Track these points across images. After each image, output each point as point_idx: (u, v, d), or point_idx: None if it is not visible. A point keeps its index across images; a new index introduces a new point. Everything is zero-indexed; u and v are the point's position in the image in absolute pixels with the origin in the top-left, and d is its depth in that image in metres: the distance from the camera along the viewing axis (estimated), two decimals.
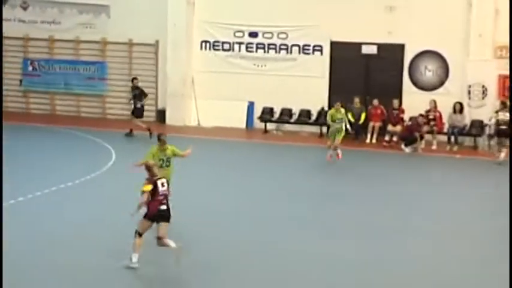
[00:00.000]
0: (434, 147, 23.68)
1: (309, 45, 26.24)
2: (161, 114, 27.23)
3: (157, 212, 11.95)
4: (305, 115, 26.24)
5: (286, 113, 26.46)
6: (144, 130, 23.78)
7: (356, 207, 16.27)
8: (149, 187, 11.99)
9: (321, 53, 26.13)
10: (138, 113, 24.67)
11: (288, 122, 26.41)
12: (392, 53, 25.34)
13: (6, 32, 28.55)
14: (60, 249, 12.89)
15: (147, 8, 26.99)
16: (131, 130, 24.43)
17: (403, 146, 23.41)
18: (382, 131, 24.62)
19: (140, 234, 11.99)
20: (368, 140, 24.69)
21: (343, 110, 21.27)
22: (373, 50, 25.52)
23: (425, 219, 15.40)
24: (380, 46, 25.43)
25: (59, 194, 16.41)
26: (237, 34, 26.76)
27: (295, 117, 26.42)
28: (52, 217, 14.87)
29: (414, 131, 23.20)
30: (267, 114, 26.52)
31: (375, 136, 24.70)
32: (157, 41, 27.29)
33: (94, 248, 12.91)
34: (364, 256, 12.92)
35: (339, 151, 20.79)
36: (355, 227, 14.73)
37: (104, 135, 23.87)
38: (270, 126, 26.40)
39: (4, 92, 28.98)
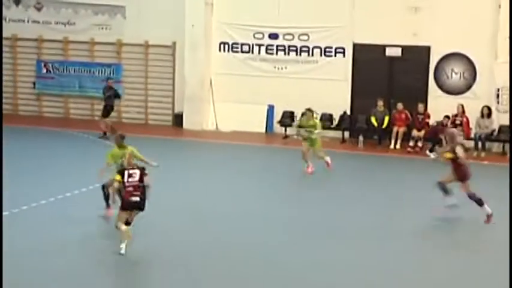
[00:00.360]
0: None
1: (331, 47, 26.18)
2: (178, 118, 27.27)
3: (129, 202, 13.05)
4: (327, 119, 26.17)
5: None
6: (103, 130, 24.31)
7: (376, 213, 16.20)
8: (118, 177, 13.19)
9: (344, 55, 26.06)
10: (107, 112, 25.05)
11: None
12: (417, 55, 25.23)
13: (19, 33, 28.78)
14: (71, 253, 12.93)
15: (164, 8, 27.05)
16: (104, 133, 24.68)
17: (427, 152, 23.24)
18: (407, 136, 24.50)
19: (127, 223, 13.02)
20: (392, 146, 24.58)
21: (317, 120, 20.72)
22: (397, 52, 25.43)
23: (443, 228, 15.33)
24: (404, 48, 25.33)
25: (72, 199, 16.42)
26: (257, 36, 26.76)
27: None
28: (65, 222, 14.90)
29: (439, 133, 23.09)
30: (288, 118, 26.48)
31: (398, 141, 24.59)
32: (174, 43, 27.34)
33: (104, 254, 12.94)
34: (379, 261, 12.89)
35: (328, 159, 20.38)
36: (375, 233, 14.67)
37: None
38: (291, 130, 26.34)
39: (17, 95, 29.20)
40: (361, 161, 22.77)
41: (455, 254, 13.67)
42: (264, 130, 26.55)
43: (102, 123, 24.97)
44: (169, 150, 23.42)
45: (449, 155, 15.69)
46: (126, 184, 13.10)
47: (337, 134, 25.88)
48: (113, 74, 28.03)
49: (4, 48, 29.00)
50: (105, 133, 24.47)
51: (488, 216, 15.51)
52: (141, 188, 13.12)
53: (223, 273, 12.32)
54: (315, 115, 20.70)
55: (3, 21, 28.87)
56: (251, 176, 19.71)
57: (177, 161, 21.45)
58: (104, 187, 15.03)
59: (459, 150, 15.72)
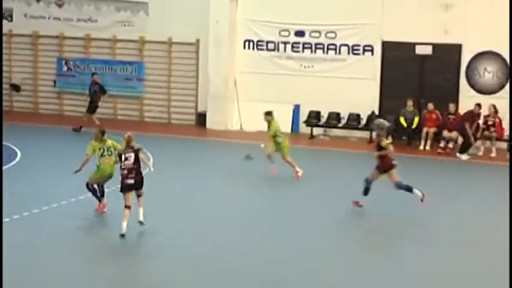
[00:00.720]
0: (493, 154, 23.42)
1: (359, 45, 26.16)
2: (201, 118, 27.35)
3: (124, 185, 14.34)
4: (354, 119, 26.16)
5: (334, 117, 26.40)
6: (85, 124, 24.78)
7: (397, 218, 16.16)
8: (117, 158, 14.71)
9: (372, 54, 26.03)
10: (93, 108, 25.67)
11: (336, 127, 26.35)
12: (448, 53, 25.15)
13: (40, 30, 29.02)
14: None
15: (188, 5, 27.15)
16: (80, 127, 25.07)
17: (458, 154, 23.22)
18: (437, 137, 24.41)
19: (126, 206, 14.17)
20: (421, 147, 24.51)
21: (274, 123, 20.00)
22: (427, 50, 25.36)
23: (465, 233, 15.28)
24: (435, 46, 25.26)
25: (92, 199, 16.53)
26: (283, 33, 26.79)
27: (343, 121, 26.35)
28: (92, 223, 15.03)
29: (466, 121, 23.06)
30: (314, 118, 26.49)
31: (429, 142, 24.50)
32: (198, 40, 27.44)
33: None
34: (399, 267, 12.87)
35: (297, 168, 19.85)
36: (401, 239, 14.65)
37: (141, 139, 23.94)
38: (317, 130, 26.35)
39: (37, 93, 29.43)
40: None
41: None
42: (289, 130, 26.55)
43: (85, 117, 25.41)
44: (192, 150, 23.52)
45: (385, 143, 16.09)
46: (122, 167, 14.35)
47: (365, 134, 25.84)
48: (135, 72, 28.21)
49: (25, 46, 29.31)
50: (80, 127, 24.92)
51: (422, 198, 16.00)
52: (136, 169, 14.37)
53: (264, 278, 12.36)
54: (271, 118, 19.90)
55: (24, 18, 29.14)
56: (275, 177, 19.71)
57: (200, 160, 21.52)
58: (88, 185, 15.61)
59: (386, 141, 16.17)
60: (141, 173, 14.55)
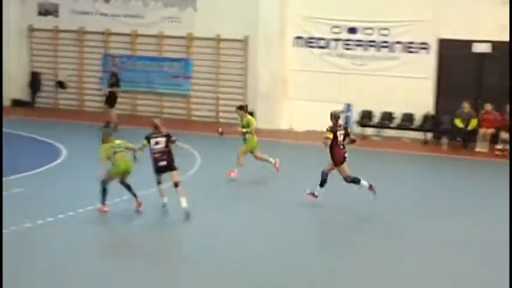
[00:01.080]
0: None
1: (413, 43, 25.99)
2: None
3: (158, 167, 15.67)
4: (407, 120, 26.00)
5: (387, 117, 26.27)
6: (115, 122, 24.79)
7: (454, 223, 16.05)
8: (144, 141, 15.71)
9: (427, 52, 25.84)
10: (113, 102, 25.89)
11: (389, 127, 26.20)
12: (507, 51, 24.83)
13: (86, 26, 29.31)
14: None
15: (237, 0, 27.21)
16: (108, 122, 25.04)
17: None
18: (495, 139, 24.15)
19: (159, 183, 15.78)
20: (478, 149, 24.27)
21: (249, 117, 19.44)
22: (486, 48, 25.09)
23: None
24: (494, 44, 24.98)
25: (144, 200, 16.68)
26: (334, 30, 26.74)
27: (396, 121, 26.20)
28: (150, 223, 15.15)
29: None
30: (366, 118, 26.39)
31: (486, 144, 24.25)
32: (246, 37, 27.48)
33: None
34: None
35: (273, 160, 19.73)
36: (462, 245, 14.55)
37: (188, 139, 24.10)
38: (369, 131, 26.23)
39: (83, 91, 29.73)
40: (445, 164, 22.56)
41: None
42: None
43: (110, 113, 25.61)
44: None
45: (330, 136, 16.58)
46: (153, 151, 15.65)
47: (418, 135, 25.66)
48: (182, 69, 28.33)
49: (70, 42, 29.64)
50: (108, 123, 24.85)
51: (370, 187, 16.63)
52: (167, 152, 15.66)
53: None
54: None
55: (70, 14, 29.47)
56: (333, 179, 19.62)
57: (248, 160, 21.59)
58: (102, 182, 15.86)
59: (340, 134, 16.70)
60: (172, 156, 15.72)
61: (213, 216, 15.94)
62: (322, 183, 16.79)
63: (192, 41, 28.32)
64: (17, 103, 29.92)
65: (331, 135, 16.62)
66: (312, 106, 26.42)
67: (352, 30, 26.62)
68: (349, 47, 26.73)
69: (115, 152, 15.88)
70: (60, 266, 12.75)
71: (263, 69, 26.90)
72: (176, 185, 15.61)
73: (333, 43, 26.86)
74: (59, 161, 20.81)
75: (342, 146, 16.69)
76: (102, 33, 29.31)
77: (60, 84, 29.58)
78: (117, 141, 16.12)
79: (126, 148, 16.02)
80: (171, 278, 12.47)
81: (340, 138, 16.73)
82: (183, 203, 15.42)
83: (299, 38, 27.16)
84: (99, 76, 29.44)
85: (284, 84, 27.19)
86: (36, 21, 30.01)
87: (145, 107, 28.97)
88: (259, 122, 27.02)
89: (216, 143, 24.18)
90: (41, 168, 19.64)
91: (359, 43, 26.60)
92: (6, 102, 29.72)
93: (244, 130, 19.02)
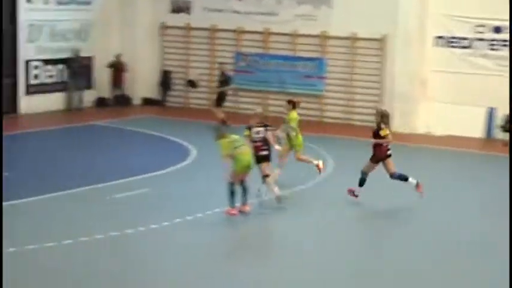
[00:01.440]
0: None
1: None
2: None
3: (259, 156, 16.69)
4: None
5: None
6: (220, 121, 24.62)
7: None
8: (246, 132, 16.83)
9: None
10: (221, 101, 26.30)
11: None
12: None
13: (219, 23, 29.64)
14: None
15: None
16: (224, 120, 25.03)
17: None
18: None
19: (264, 176, 16.81)
20: None
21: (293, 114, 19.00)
22: None
23: None
24: None
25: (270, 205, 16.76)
26: (478, 29, 26.14)
27: None
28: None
29: None
30: (510, 123, 25.67)
31: None
32: (384, 36, 27.21)
33: None
34: None
35: (318, 162, 19.30)
36: None
37: (321, 141, 24.13)
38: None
39: (213, 90, 30.00)
40: None
41: None
42: (482, 135, 25.83)
43: (217, 112, 25.99)
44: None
45: (385, 133, 17.17)
46: (255, 139, 16.73)
47: None
48: (316, 69, 28.29)
49: (202, 40, 30.04)
50: (223, 121, 24.84)
51: (417, 185, 17.33)
52: (268, 141, 16.81)
53: None
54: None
55: (203, 11, 29.89)
56: (462, 187, 19.27)
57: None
58: (230, 184, 16.06)
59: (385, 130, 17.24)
60: (270, 147, 16.90)
61: (352, 230, 15.83)
62: (361, 183, 17.32)
63: (327, 39, 28.24)
64: (147, 102, 30.58)
65: (387, 131, 17.20)
66: (452, 109, 25.93)
67: (497, 30, 25.95)
68: (494, 47, 26.07)
69: (236, 147, 16.08)
70: (186, 268, 12.92)
71: (401, 70, 26.56)
72: (266, 177, 16.68)
73: (476, 43, 26.26)
74: (188, 161, 21.13)
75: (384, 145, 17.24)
76: (234, 31, 29.59)
77: (191, 83, 29.99)
78: (235, 136, 16.36)
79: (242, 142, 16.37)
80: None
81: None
82: (275, 192, 16.57)
83: (440, 37, 26.67)
84: (230, 75, 29.66)
85: (423, 86, 26.76)
86: (168, 18, 30.59)
87: (276, 107, 28.92)
88: (395, 124, 26.71)
89: (348, 146, 24.08)
90: (170, 169, 19.97)
91: (504, 43, 25.89)
92: (137, 101, 30.49)
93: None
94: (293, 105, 19.03)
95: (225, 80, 26.86)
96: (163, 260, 13.42)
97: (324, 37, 28.25)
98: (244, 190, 16.26)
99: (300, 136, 18.91)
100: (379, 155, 17.17)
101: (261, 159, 16.72)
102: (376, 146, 17.18)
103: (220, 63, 27.91)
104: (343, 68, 28.05)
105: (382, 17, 26.70)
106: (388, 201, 17.86)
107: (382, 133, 17.08)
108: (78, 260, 13.30)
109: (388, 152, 17.19)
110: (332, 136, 25.51)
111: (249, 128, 16.90)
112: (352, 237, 15.42)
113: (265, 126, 17.03)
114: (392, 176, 17.20)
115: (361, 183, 17.30)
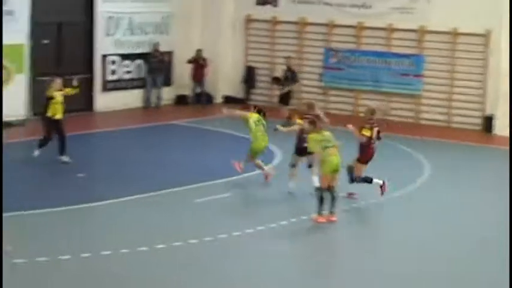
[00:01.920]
0: None
1: None
2: (488, 122, 26.49)
3: (301, 148, 17.62)
4: None
5: None
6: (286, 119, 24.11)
7: None
8: (299, 121, 17.65)
9: None
10: (287, 99, 26.56)
11: None
12: None
13: (308, 16, 29.39)
14: None
15: None
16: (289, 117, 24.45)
17: None
18: None
19: (293, 165, 18.08)
20: None
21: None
22: None
23: None
24: None
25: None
26: None
27: None
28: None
29: None
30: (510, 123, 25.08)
31: None
32: (488, 31, 26.66)
33: None
34: None
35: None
36: None
37: (417, 143, 23.80)
38: None
39: (300, 88, 29.80)
40: None
41: None
42: None
43: (283, 110, 25.90)
44: (475, 159, 23.13)
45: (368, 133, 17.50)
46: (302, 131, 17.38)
47: None
48: (413, 66, 27.89)
49: (289, 34, 29.84)
50: (289, 118, 24.45)
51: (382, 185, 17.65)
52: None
53: None
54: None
55: (291, 3, 29.69)
56: None
57: (483, 172, 21.01)
58: (319, 189, 16.13)
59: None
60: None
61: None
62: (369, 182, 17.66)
63: (425, 34, 27.79)
64: (229, 100, 30.45)
65: (368, 133, 17.42)
66: None
67: None
68: None
69: (326, 147, 15.95)
70: (266, 275, 12.80)
71: (506, 68, 25.94)
72: (310, 165, 17.71)
73: None
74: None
75: (373, 145, 17.58)
76: (325, 24, 29.31)
77: (277, 81, 29.74)
78: (327, 133, 16.32)
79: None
80: None
81: (375, 135, 17.57)
82: (316, 182, 16.85)
83: None
84: (318, 72, 29.45)
85: None
86: (253, 11, 30.47)
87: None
88: (498, 127, 26.19)
89: (447, 150, 23.65)
90: (252, 172, 19.80)
91: None
92: (218, 99, 30.45)
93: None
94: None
95: (291, 77, 26.76)
96: (242, 269, 13.35)
97: (422, 32, 27.83)
98: (333, 198, 15.99)
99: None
100: (368, 156, 17.60)
101: (302, 152, 17.72)
102: (364, 147, 17.49)
103: (287, 57, 27.72)
104: (443, 65, 27.60)
105: (486, 11, 26.26)
106: None
107: (364, 132, 17.45)
108: (153, 268, 13.24)
109: (373, 156, 17.70)
110: (430, 139, 25.07)
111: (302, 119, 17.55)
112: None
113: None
114: (357, 179, 17.62)
115: (367, 181, 17.64)
